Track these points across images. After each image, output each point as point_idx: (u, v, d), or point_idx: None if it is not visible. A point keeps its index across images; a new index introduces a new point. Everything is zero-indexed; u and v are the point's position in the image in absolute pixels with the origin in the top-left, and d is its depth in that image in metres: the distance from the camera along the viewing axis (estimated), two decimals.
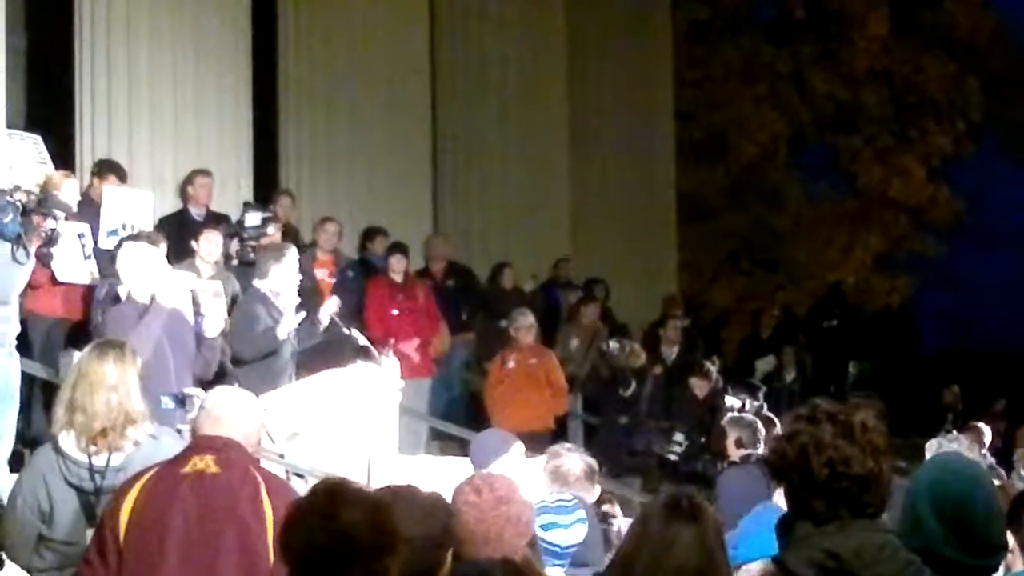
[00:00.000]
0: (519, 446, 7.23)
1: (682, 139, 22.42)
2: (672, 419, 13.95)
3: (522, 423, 12.18)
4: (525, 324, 13.59)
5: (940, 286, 27.60)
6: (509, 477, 5.13)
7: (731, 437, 10.35)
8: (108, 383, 5.84)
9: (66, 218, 8.72)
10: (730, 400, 13.07)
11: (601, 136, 19.36)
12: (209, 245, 10.52)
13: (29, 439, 9.15)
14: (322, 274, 12.80)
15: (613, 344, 14.18)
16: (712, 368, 14.48)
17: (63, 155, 11.57)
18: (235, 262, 11.11)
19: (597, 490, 7.31)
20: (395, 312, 13.29)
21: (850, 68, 25.93)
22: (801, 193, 26.56)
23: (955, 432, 13.18)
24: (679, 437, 13.27)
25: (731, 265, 26.43)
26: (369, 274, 13.76)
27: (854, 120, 26.56)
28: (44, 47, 14.24)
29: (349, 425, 8.80)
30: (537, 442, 9.73)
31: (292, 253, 10.01)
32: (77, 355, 6.45)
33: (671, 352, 15.49)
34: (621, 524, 7.83)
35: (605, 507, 8.53)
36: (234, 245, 11.18)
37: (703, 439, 13.06)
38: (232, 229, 11.35)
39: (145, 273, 8.65)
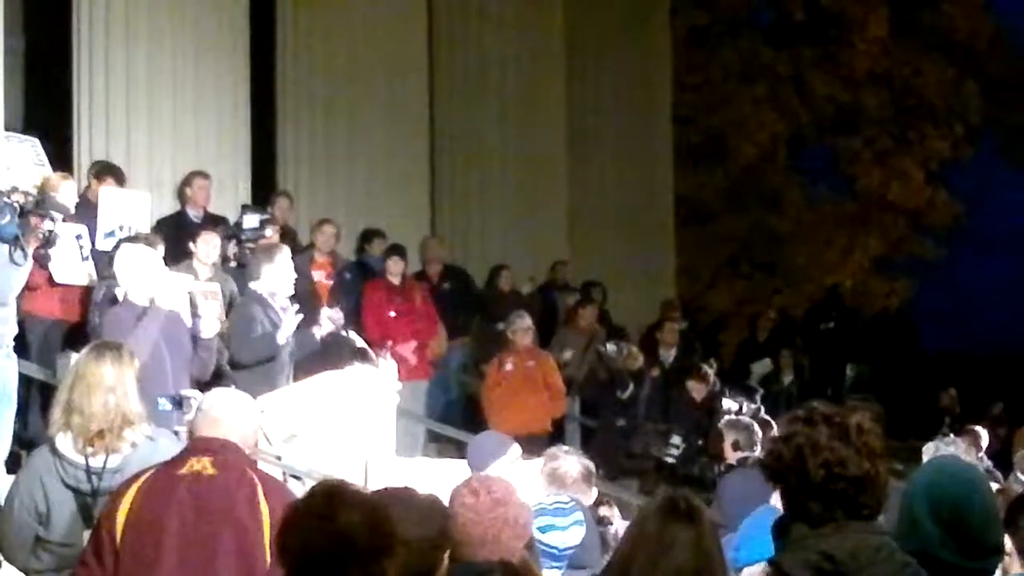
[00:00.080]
0: (516, 448, 7.24)
1: (680, 142, 22.43)
2: (670, 422, 13.95)
3: (519, 425, 12.18)
4: (522, 327, 13.59)
5: (938, 289, 27.61)
6: (506, 479, 5.14)
7: (728, 440, 10.36)
8: (105, 385, 5.84)
9: (64, 220, 8.73)
10: (727, 403, 13.07)
11: (600, 138, 19.37)
12: (207, 247, 10.52)
13: (26, 440, 9.14)
14: (319, 276, 12.80)
15: (611, 347, 14.18)
16: (710, 371, 14.49)
17: (61, 157, 11.58)
18: (233, 264, 11.11)
19: (594, 492, 7.30)
20: (392, 314, 13.28)
21: (849, 70, 25.95)
22: (800, 196, 26.57)
23: (952, 435, 13.19)
24: (676, 440, 13.27)
25: (729, 268, 26.44)
26: (367, 276, 13.76)
27: (853, 122, 26.58)
28: (42, 49, 14.24)
29: (346, 427, 8.80)
30: (534, 444, 9.72)
31: (283, 253, 10.01)
32: (75, 357, 6.44)
33: (669, 355, 15.50)
34: (619, 526, 7.83)
35: (603, 509, 8.53)
36: (232, 247, 11.18)
37: (700, 442, 13.05)
38: (230, 231, 11.35)
39: (143, 275, 8.66)
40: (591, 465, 7.30)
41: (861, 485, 3.67)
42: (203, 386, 8.21)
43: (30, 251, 8.26)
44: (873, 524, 3.71)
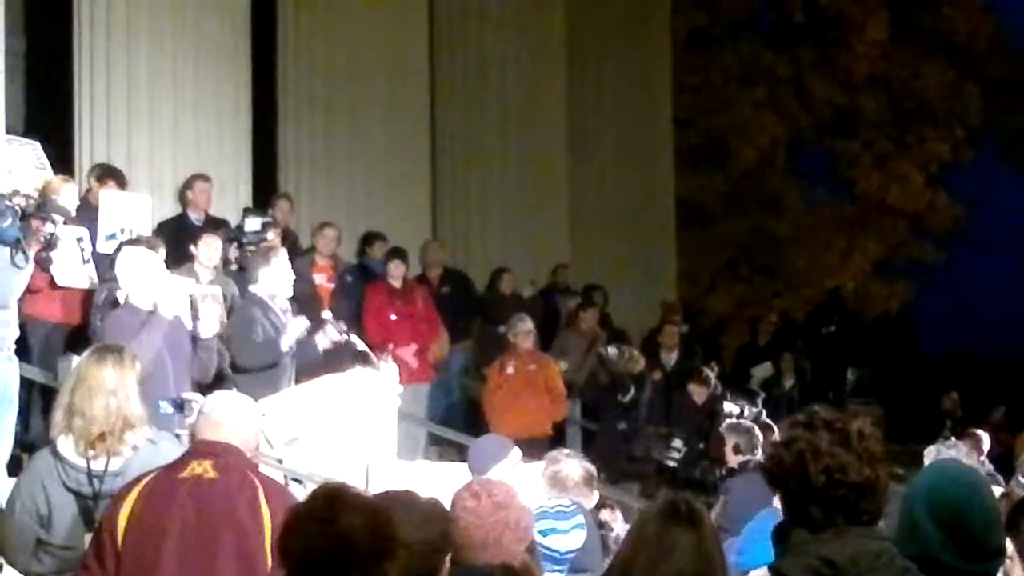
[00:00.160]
0: (517, 452, 7.24)
1: (681, 144, 22.44)
2: (671, 425, 13.94)
3: (521, 429, 12.18)
4: (524, 330, 13.59)
5: (939, 292, 27.62)
6: (507, 483, 5.13)
7: (729, 443, 10.36)
8: (107, 387, 5.84)
9: (65, 222, 8.72)
10: (729, 406, 13.07)
11: (600, 140, 19.38)
12: (208, 250, 10.52)
13: (27, 443, 9.14)
14: (321, 279, 12.81)
15: (612, 350, 14.17)
16: (711, 374, 14.48)
17: (62, 160, 11.58)
18: (234, 267, 11.11)
19: (595, 496, 7.31)
20: (393, 317, 13.28)
21: (849, 73, 25.96)
22: (800, 199, 26.58)
23: (953, 439, 13.18)
24: (678, 443, 13.26)
25: (729, 271, 26.44)
26: (368, 279, 13.76)
27: (853, 125, 26.60)
28: (43, 51, 14.24)
29: (348, 430, 8.80)
30: (536, 448, 9.73)
31: (280, 256, 10.01)
32: (76, 359, 6.44)
33: (670, 358, 15.50)
34: (620, 530, 7.83)
35: (604, 513, 8.54)
36: (233, 250, 11.18)
37: (702, 445, 13.06)
38: (232, 234, 11.35)
39: (144, 278, 8.67)
40: (592, 468, 7.31)
41: (862, 491, 3.67)
42: (204, 389, 8.21)
43: (31, 254, 8.26)
44: (874, 529, 3.71)
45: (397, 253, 13.68)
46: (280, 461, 8.53)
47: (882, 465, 3.70)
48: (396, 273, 13.48)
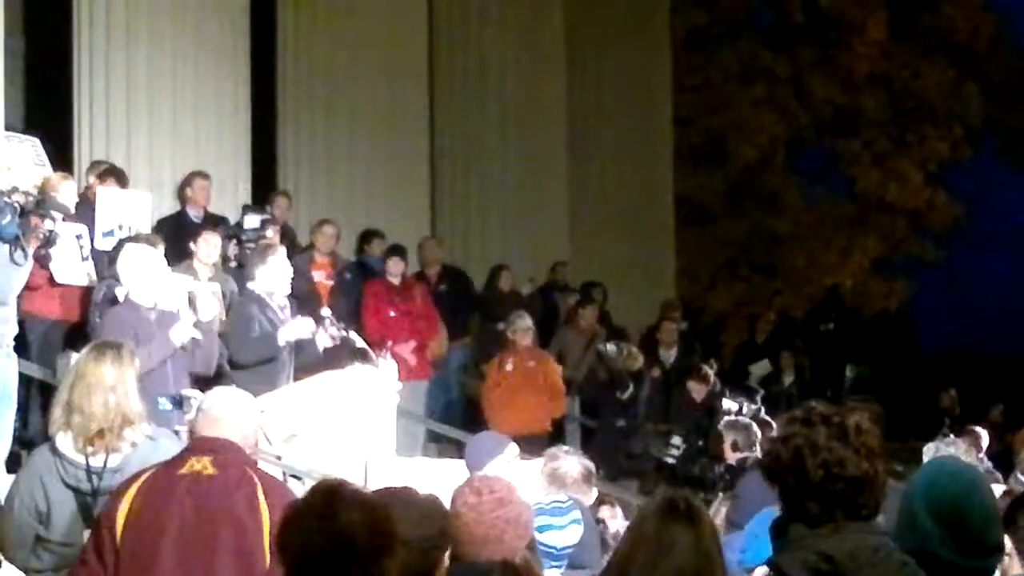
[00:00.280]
0: (513, 447, 7.25)
1: (680, 143, 22.44)
2: (670, 422, 13.95)
3: (519, 426, 12.19)
4: (523, 327, 13.59)
5: (938, 290, 27.63)
6: (508, 479, 5.14)
7: (727, 440, 10.36)
8: (106, 384, 5.84)
9: (64, 219, 8.73)
10: (727, 403, 13.07)
11: (599, 139, 19.37)
12: (207, 247, 10.52)
13: (26, 440, 9.15)
14: (320, 276, 12.81)
15: (611, 347, 14.18)
16: (710, 372, 14.49)
17: (62, 157, 11.58)
18: (233, 264, 11.11)
19: (594, 493, 7.31)
20: (392, 314, 13.28)
21: (849, 72, 25.96)
22: (799, 197, 26.58)
23: (952, 436, 13.19)
24: (677, 440, 13.26)
25: (729, 269, 26.45)
26: (367, 276, 13.76)
27: (853, 124, 26.59)
28: (43, 49, 14.25)
29: (346, 427, 8.80)
30: (534, 445, 9.73)
31: (277, 254, 10.00)
32: (75, 356, 6.45)
33: (669, 355, 15.50)
34: (620, 526, 7.83)
35: (604, 510, 8.54)
36: (232, 247, 11.18)
37: (701, 442, 13.05)
38: (231, 231, 11.35)
39: (146, 275, 8.68)
40: (591, 465, 7.31)
41: (859, 485, 3.67)
42: (203, 385, 8.21)
43: (30, 251, 8.26)
44: (871, 524, 3.71)
45: (396, 251, 13.68)
46: (279, 458, 8.53)
47: (880, 460, 3.71)
48: (395, 270, 13.48)
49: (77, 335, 9.47)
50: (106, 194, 10.68)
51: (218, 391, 5.85)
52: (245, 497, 5.19)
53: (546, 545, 6.36)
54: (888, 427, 16.52)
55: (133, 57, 12.66)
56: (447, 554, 4.64)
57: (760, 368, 17.91)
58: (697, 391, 14.14)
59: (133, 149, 12.57)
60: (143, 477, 5.28)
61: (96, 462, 5.76)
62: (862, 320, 22.98)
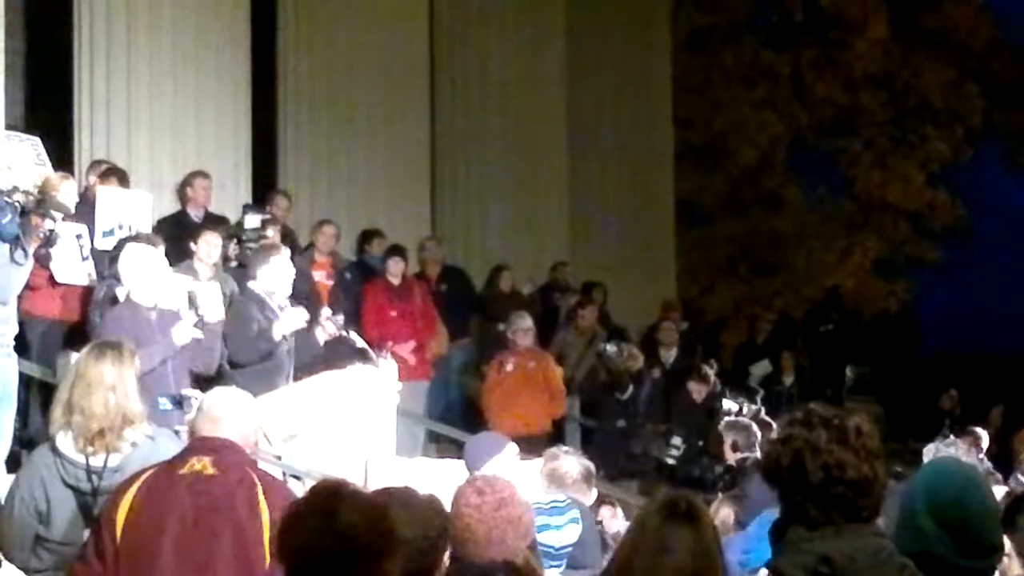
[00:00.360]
0: (512, 447, 7.25)
1: (681, 143, 22.44)
2: (670, 422, 13.94)
3: (519, 426, 12.20)
4: (523, 327, 13.59)
5: (938, 291, 27.62)
6: (508, 479, 5.13)
7: (727, 441, 10.35)
8: (106, 383, 5.84)
9: (64, 219, 8.73)
10: (728, 404, 13.06)
11: (600, 140, 19.37)
12: (208, 247, 10.51)
13: (26, 440, 9.15)
14: (320, 276, 12.80)
15: (611, 347, 14.16)
16: (710, 372, 14.48)
17: (62, 157, 11.58)
18: (234, 264, 11.11)
19: (594, 493, 7.31)
20: (392, 314, 13.29)
21: (849, 72, 25.95)
22: (800, 197, 26.58)
23: (952, 437, 13.18)
24: (677, 440, 13.25)
25: (729, 270, 26.44)
26: (367, 276, 13.77)
27: (853, 124, 26.58)
28: (43, 49, 14.24)
29: (347, 427, 8.80)
30: (534, 445, 9.73)
31: (280, 255, 10.00)
32: (75, 356, 6.45)
33: (669, 356, 15.50)
34: (620, 527, 7.83)
35: (604, 510, 8.54)
36: (233, 247, 11.17)
37: (701, 443, 13.04)
38: (231, 231, 11.35)
39: (147, 275, 8.68)
40: (591, 465, 7.31)
41: (860, 488, 3.66)
42: (204, 385, 8.21)
43: (31, 250, 8.27)
44: (871, 526, 3.70)
45: (396, 251, 13.69)
46: (279, 458, 8.53)
47: (880, 462, 3.70)
48: (395, 270, 13.49)
49: (77, 335, 9.46)
50: (106, 194, 10.67)
51: (218, 391, 5.85)
52: (245, 497, 5.19)
53: (544, 545, 6.37)
54: (888, 428, 16.55)
55: (134, 57, 12.66)
56: (447, 554, 4.64)
57: (760, 368, 17.91)
58: (697, 391, 14.14)
59: (133, 149, 12.57)
60: (143, 476, 5.28)
61: (96, 462, 5.76)
62: (862, 321, 22.97)
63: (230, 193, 13.06)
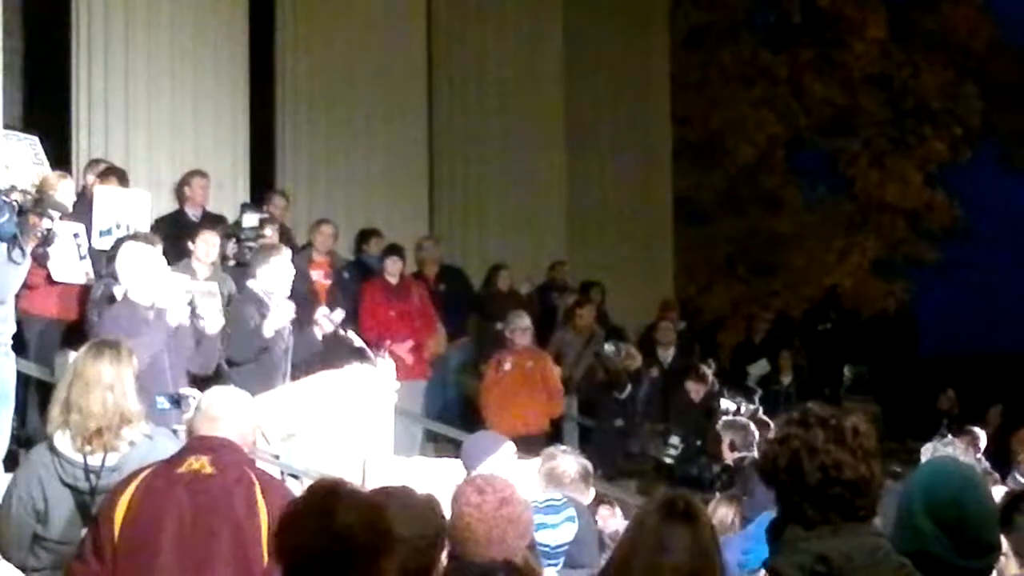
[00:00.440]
0: (509, 446, 7.25)
1: (679, 142, 22.44)
2: (668, 422, 13.95)
3: (517, 425, 12.21)
4: (521, 326, 13.59)
5: (936, 290, 27.63)
6: (507, 478, 5.14)
7: (725, 440, 10.37)
8: (104, 382, 5.84)
9: (61, 218, 8.72)
10: (726, 403, 13.07)
11: (598, 138, 19.36)
12: (206, 246, 10.51)
13: (24, 439, 9.14)
14: (318, 275, 12.80)
15: (608, 347, 14.18)
16: (708, 371, 14.49)
17: (60, 156, 11.57)
18: (232, 263, 11.10)
19: (592, 492, 7.31)
20: (390, 314, 13.29)
21: (848, 72, 25.95)
22: (798, 197, 26.58)
23: (950, 436, 13.19)
24: (675, 440, 13.27)
25: (727, 269, 26.45)
26: (365, 276, 13.77)
27: (852, 124, 26.59)
28: (41, 48, 14.24)
29: (344, 426, 8.80)
30: (532, 444, 9.73)
31: (281, 255, 10.00)
32: (73, 355, 6.45)
33: (667, 355, 15.51)
34: (619, 526, 7.83)
35: (603, 509, 8.55)
36: (231, 246, 11.17)
37: (699, 442, 13.05)
38: (229, 230, 11.34)
39: (145, 273, 8.67)
40: (589, 465, 7.32)
41: (856, 488, 3.66)
42: (202, 385, 8.21)
43: (28, 249, 8.26)
44: (868, 526, 3.70)
45: (394, 250, 13.70)
46: (277, 457, 8.53)
47: (876, 462, 3.70)
48: (393, 270, 13.49)
49: (75, 334, 9.45)
50: (104, 193, 10.66)
51: (216, 390, 5.85)
52: (243, 496, 5.19)
53: (540, 544, 6.37)
54: (886, 427, 16.56)
55: (131, 56, 12.66)
56: (445, 553, 4.64)
57: (758, 368, 17.92)
58: (695, 391, 14.15)
59: (131, 148, 12.57)
60: (142, 475, 5.28)
61: (94, 461, 5.76)
62: (861, 320, 22.99)
63: (228, 192, 13.06)
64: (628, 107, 19.83)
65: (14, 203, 8.16)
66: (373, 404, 9.09)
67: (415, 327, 13.48)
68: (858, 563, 3.60)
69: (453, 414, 14.23)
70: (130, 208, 10.53)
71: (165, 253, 9.32)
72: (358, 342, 9.86)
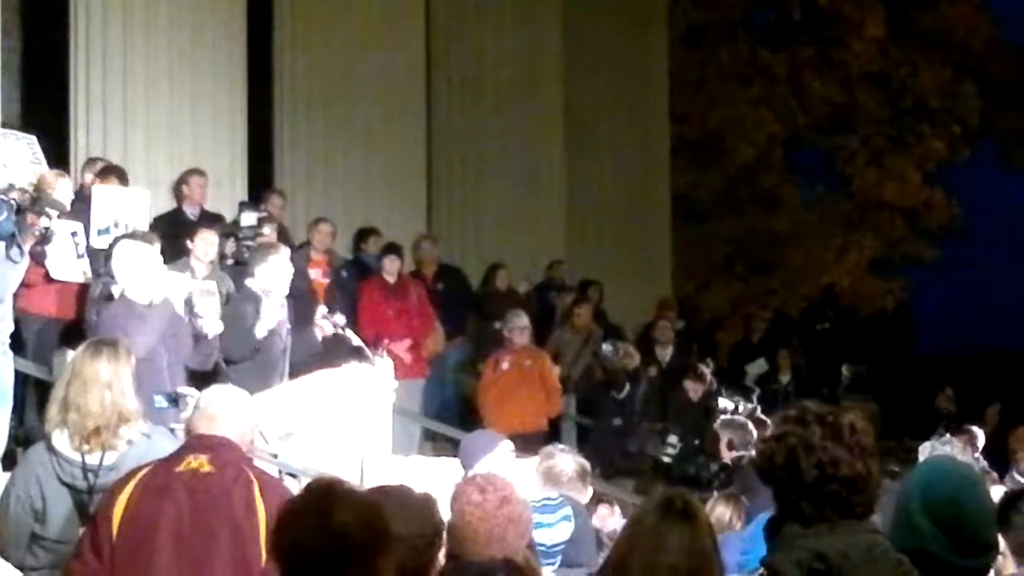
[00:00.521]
0: (506, 444, 7.25)
1: (677, 141, 22.43)
2: (666, 421, 13.96)
3: (515, 424, 12.20)
4: (519, 325, 13.59)
5: (935, 289, 27.62)
6: (506, 477, 5.14)
7: (723, 439, 10.37)
8: (102, 381, 5.84)
9: (59, 217, 8.72)
10: (724, 402, 13.07)
11: (597, 137, 19.36)
12: (204, 245, 10.50)
13: (22, 438, 9.14)
14: (316, 274, 12.80)
15: (606, 347, 14.18)
16: (706, 370, 14.49)
17: (58, 155, 11.56)
18: (230, 262, 11.10)
19: (589, 491, 7.31)
20: (388, 313, 13.29)
21: (846, 71, 25.95)
22: (796, 196, 26.58)
23: (948, 435, 13.19)
24: (673, 439, 13.27)
25: (726, 268, 26.45)
26: (363, 274, 13.77)
27: (850, 123, 26.58)
28: (40, 47, 14.24)
29: (343, 425, 8.80)
30: (530, 443, 9.73)
31: (280, 254, 9.99)
32: (71, 354, 6.44)
33: (665, 354, 15.51)
34: (618, 525, 7.83)
35: (602, 508, 8.56)
36: (230, 245, 11.16)
37: (697, 441, 13.06)
38: (227, 229, 11.34)
39: (141, 272, 8.67)
40: (586, 464, 7.32)
41: (854, 485, 3.66)
42: (199, 383, 8.20)
43: (26, 248, 8.26)
44: (865, 523, 3.70)
45: (392, 249, 13.70)
46: (275, 456, 8.53)
47: (874, 459, 3.70)
48: (390, 268, 13.49)
49: (73, 333, 9.45)
50: (102, 192, 10.65)
51: (215, 389, 5.85)
52: (242, 495, 5.19)
53: (536, 543, 6.37)
54: (884, 426, 16.56)
55: (130, 55, 12.66)
56: (443, 552, 4.64)
57: (756, 367, 17.93)
58: (693, 390, 14.15)
59: (130, 147, 12.57)
60: (140, 474, 5.28)
61: (92, 460, 5.75)
62: (859, 319, 22.97)
63: (226, 191, 13.06)
64: (627, 107, 19.83)
65: (12, 202, 8.17)
66: (371, 403, 9.09)
67: (413, 326, 13.48)
68: (855, 560, 3.60)
69: (451, 413, 14.24)
70: (129, 207, 10.52)
71: (163, 252, 9.32)
72: (356, 341, 9.86)
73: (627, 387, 14.00)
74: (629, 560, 4.19)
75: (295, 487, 6.75)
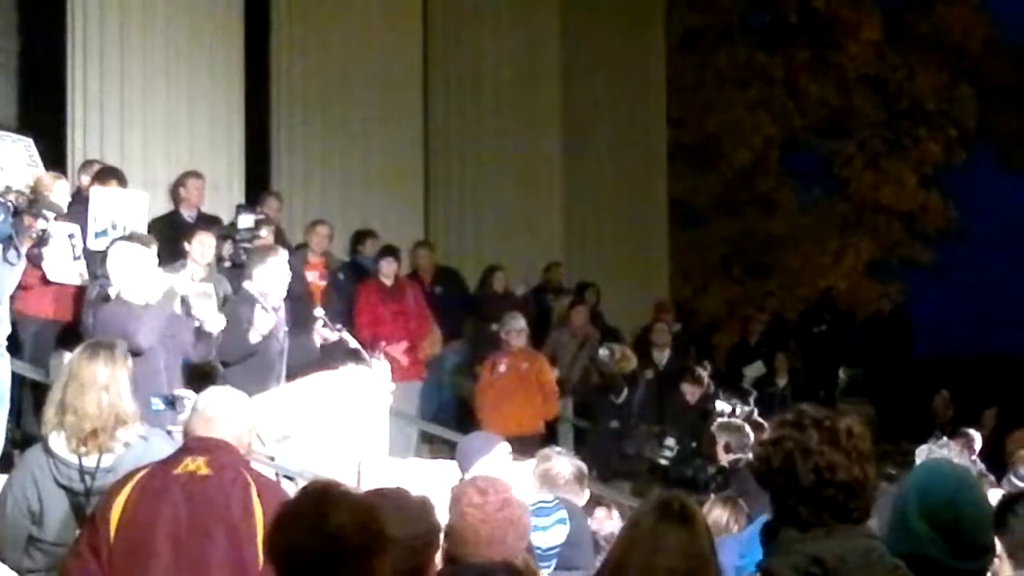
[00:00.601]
0: (503, 446, 7.25)
1: (674, 144, 22.43)
2: (663, 424, 13.95)
3: (512, 427, 12.20)
4: (516, 328, 13.59)
5: (931, 292, 27.63)
6: (505, 479, 5.14)
7: (720, 442, 10.38)
8: (99, 383, 5.84)
9: (56, 219, 8.72)
10: (721, 405, 13.08)
11: (594, 140, 19.36)
12: (202, 247, 10.49)
13: (19, 440, 9.14)
14: (313, 276, 12.80)
15: (603, 352, 14.16)
16: (704, 373, 14.49)
17: (55, 157, 11.57)
18: (227, 264, 11.10)
19: (586, 493, 7.31)
20: (386, 315, 13.29)
21: (843, 74, 25.96)
22: (793, 199, 26.59)
23: (945, 438, 13.20)
24: (670, 442, 13.26)
25: (723, 271, 26.45)
26: (360, 277, 13.77)
27: (846, 126, 26.59)
28: (37, 49, 14.24)
29: (340, 428, 8.80)
30: (527, 446, 9.73)
31: (277, 256, 9.98)
32: (68, 356, 6.44)
33: (662, 357, 15.51)
34: (615, 528, 7.83)
35: (599, 511, 8.55)
36: (227, 247, 11.16)
37: (694, 444, 13.06)
38: (225, 231, 11.34)
39: (136, 274, 8.66)
40: (583, 466, 7.32)
41: (851, 490, 3.66)
42: (196, 385, 8.20)
43: (23, 250, 8.26)
44: (862, 528, 3.70)
45: (388, 251, 13.70)
46: (272, 458, 8.53)
47: (870, 464, 3.69)
48: (387, 271, 13.50)
49: (70, 335, 9.45)
50: (100, 194, 10.65)
51: (213, 391, 5.84)
52: (239, 498, 5.19)
53: (532, 546, 6.37)
54: (881, 429, 16.55)
55: (127, 57, 12.65)
56: (441, 554, 4.63)
57: (754, 370, 17.93)
58: (690, 393, 14.15)
59: (127, 148, 12.56)
60: (137, 476, 5.28)
61: (89, 462, 5.75)
62: (856, 322, 22.99)
63: (223, 193, 13.05)
64: (625, 109, 19.83)
65: (9, 204, 8.17)
66: (368, 405, 9.10)
67: (410, 328, 13.48)
68: (852, 565, 3.60)
69: (448, 415, 14.24)
70: (127, 209, 10.52)
71: (160, 254, 9.31)
72: (353, 343, 9.86)
73: (625, 392, 13.99)
74: (626, 562, 4.20)
75: (292, 489, 6.75)
